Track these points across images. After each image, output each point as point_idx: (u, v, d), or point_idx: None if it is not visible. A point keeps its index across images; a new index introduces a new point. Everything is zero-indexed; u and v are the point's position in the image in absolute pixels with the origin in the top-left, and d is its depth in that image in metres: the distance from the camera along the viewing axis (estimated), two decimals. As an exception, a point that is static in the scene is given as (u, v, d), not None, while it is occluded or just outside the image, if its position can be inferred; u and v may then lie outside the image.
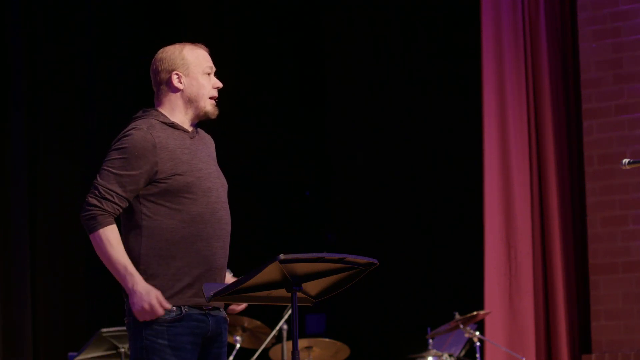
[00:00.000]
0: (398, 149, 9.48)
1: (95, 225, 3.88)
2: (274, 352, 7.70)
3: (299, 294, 3.76)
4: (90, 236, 3.92)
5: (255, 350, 7.52)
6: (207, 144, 4.13)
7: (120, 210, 3.93)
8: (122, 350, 6.70)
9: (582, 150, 8.02)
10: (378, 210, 9.58)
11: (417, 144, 9.41)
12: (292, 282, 3.72)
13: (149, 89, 4.20)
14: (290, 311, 7.03)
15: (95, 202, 3.90)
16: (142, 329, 3.85)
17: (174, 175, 3.93)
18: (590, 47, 7.99)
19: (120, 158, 3.91)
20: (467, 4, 8.62)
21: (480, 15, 8.18)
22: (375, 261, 3.80)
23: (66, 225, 8.43)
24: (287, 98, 10.06)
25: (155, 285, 3.86)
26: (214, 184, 4.03)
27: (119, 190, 3.90)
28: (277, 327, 7.34)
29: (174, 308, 3.85)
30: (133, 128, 3.96)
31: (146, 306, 3.80)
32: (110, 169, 3.91)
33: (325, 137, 10.08)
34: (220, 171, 4.12)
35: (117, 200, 3.90)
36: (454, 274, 8.94)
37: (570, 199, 8.14)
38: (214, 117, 4.07)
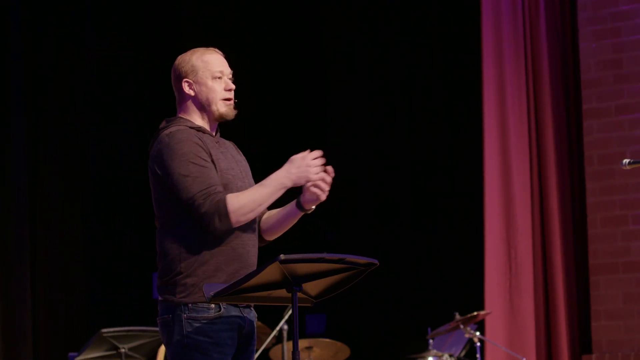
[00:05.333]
0: (398, 148, 9.47)
1: (219, 210, 3.82)
2: (274, 352, 7.70)
3: (299, 294, 3.77)
4: (231, 217, 3.84)
5: (255, 351, 7.52)
6: (229, 148, 4.18)
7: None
8: (123, 350, 6.67)
9: (582, 150, 8.02)
10: (378, 210, 9.57)
11: (417, 143, 9.40)
12: (293, 282, 3.73)
13: (148, 88, 4.21)
14: (290, 311, 7.03)
15: (202, 209, 3.83)
16: (183, 326, 3.85)
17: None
18: (590, 47, 7.99)
19: (182, 162, 3.87)
20: (467, 4, 8.62)
21: (480, 15, 8.19)
22: (375, 261, 3.80)
23: (66, 225, 8.43)
24: (286, 97, 10.05)
25: (193, 284, 3.86)
26: (244, 184, 4.06)
27: (209, 184, 3.86)
28: (278, 328, 7.34)
29: (213, 306, 3.86)
30: (169, 134, 3.93)
31: (293, 177, 4.07)
32: (183, 178, 3.86)
33: (325, 136, 10.07)
34: (246, 172, 4.16)
35: (218, 190, 3.86)
36: (454, 274, 8.93)
37: (570, 199, 8.14)
38: (230, 118, 4.13)
